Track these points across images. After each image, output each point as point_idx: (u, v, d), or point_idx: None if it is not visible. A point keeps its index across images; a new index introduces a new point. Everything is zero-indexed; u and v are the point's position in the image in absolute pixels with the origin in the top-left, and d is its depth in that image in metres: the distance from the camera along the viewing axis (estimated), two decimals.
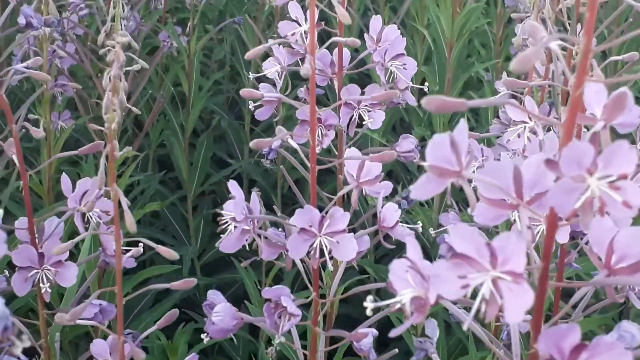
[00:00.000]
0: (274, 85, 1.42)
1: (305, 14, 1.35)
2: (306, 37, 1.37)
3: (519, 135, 1.26)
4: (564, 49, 1.21)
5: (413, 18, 2.27)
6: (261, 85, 1.41)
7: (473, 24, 2.00)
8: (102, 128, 1.01)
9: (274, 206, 1.32)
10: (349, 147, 1.43)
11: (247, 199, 1.12)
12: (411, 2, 2.22)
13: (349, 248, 1.08)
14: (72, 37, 2.05)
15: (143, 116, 2.31)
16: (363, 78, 2.28)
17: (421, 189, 0.73)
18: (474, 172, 0.76)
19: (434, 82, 2.08)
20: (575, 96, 0.72)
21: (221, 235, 1.15)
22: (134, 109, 1.76)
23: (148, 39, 2.42)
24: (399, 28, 2.20)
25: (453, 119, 2.04)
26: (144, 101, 2.30)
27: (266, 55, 1.35)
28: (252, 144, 1.08)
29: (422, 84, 1.51)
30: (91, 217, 1.27)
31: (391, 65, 1.37)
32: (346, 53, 1.45)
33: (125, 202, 0.99)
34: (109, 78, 0.98)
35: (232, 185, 1.10)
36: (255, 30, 2.25)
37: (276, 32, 2.22)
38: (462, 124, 0.76)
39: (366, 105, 1.35)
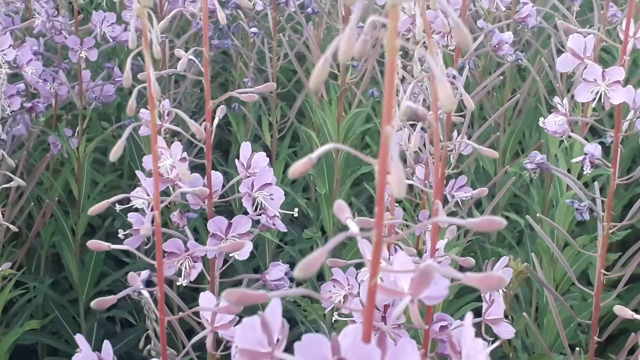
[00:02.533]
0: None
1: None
2: (173, 170, 1.38)
3: None
4: None
5: (304, 122, 2.30)
6: (130, 214, 1.40)
7: (358, 128, 2.04)
8: None
9: None
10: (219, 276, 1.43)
11: None
12: (301, 104, 2.25)
13: None
14: None
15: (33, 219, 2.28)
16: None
17: None
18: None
19: (322, 184, 2.10)
20: (371, 285, 0.74)
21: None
22: (11, 226, 1.73)
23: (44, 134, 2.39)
24: (288, 130, 2.23)
25: None
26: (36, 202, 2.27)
27: None
28: (92, 304, 1.07)
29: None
30: None
31: (258, 196, 1.38)
32: (218, 177, 1.46)
33: None
34: None
35: (80, 339, 1.08)
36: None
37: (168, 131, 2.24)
38: (276, 304, 0.77)
39: (233, 236, 1.36)
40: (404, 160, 1.86)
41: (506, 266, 2.04)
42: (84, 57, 2.11)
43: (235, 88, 2.62)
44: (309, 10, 2.17)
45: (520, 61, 1.73)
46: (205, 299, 1.15)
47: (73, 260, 2.25)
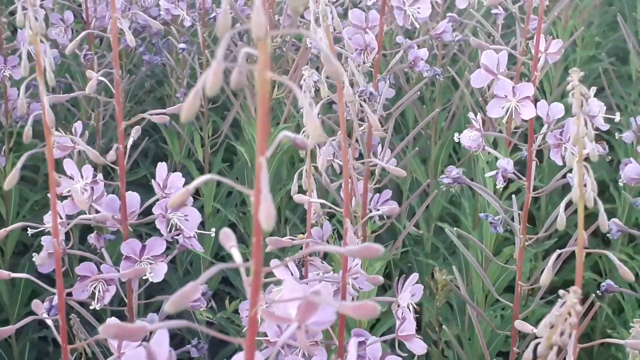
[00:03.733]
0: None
1: (80, 170, 1.35)
2: (85, 191, 1.37)
3: None
4: None
5: (241, 135, 2.29)
6: (43, 238, 1.39)
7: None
8: None
9: None
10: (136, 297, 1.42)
11: None
12: (232, 119, 2.25)
13: None
14: None
15: None
16: None
17: None
18: None
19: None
20: (251, 315, 0.74)
21: None
22: None
23: None
24: (222, 145, 2.22)
25: None
26: None
27: None
28: None
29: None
30: None
31: (173, 217, 1.37)
32: (134, 198, 1.45)
33: None
34: None
35: None
36: None
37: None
38: (162, 335, 0.77)
39: (148, 259, 1.35)
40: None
41: (433, 278, 2.07)
42: (8, 75, 2.08)
43: (171, 103, 2.61)
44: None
45: (437, 76, 1.75)
46: (112, 323, 1.14)
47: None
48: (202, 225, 2.47)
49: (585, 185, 0.97)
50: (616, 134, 2.28)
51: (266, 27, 0.69)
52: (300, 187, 1.37)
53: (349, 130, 1.74)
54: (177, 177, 1.42)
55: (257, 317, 0.76)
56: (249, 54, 0.73)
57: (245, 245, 2.28)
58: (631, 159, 2.01)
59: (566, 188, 1.52)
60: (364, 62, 1.62)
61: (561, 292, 0.77)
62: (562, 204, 1.00)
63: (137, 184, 2.57)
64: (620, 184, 1.71)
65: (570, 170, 1.50)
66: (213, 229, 1.46)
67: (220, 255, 2.45)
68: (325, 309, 0.80)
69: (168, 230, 1.38)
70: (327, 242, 1.61)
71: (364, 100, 1.71)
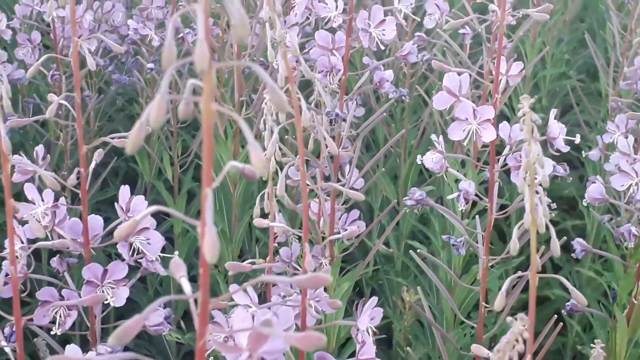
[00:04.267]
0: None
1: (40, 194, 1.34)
2: (46, 216, 1.36)
3: None
4: None
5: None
6: (4, 262, 1.38)
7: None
8: None
9: None
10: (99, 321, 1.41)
11: None
12: (200, 141, 2.25)
13: None
14: None
15: None
16: None
17: None
18: None
19: (220, 220, 2.10)
20: (199, 347, 0.74)
21: None
22: None
23: None
24: (191, 164, 2.21)
25: None
26: None
27: None
28: None
29: None
30: None
31: (135, 241, 1.37)
32: (97, 221, 1.45)
33: None
34: None
35: None
36: None
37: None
38: None
39: (109, 283, 1.35)
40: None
41: (401, 299, 2.07)
42: None
43: None
44: None
45: (403, 97, 1.76)
46: (70, 350, 1.13)
47: None
48: (171, 244, 2.47)
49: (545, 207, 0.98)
50: (583, 152, 2.30)
51: (210, 60, 0.69)
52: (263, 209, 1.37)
53: (319, 150, 1.75)
54: (140, 201, 1.42)
55: (204, 348, 0.76)
56: (197, 84, 0.73)
57: (214, 265, 2.28)
58: (598, 177, 2.03)
59: None
60: (330, 84, 1.62)
61: (509, 319, 0.78)
62: (515, 229, 1.00)
63: (108, 202, 2.56)
64: (584, 204, 1.73)
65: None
66: (177, 252, 1.46)
67: (191, 274, 2.45)
68: (275, 339, 0.80)
69: (130, 254, 1.38)
70: (297, 262, 1.61)
71: (331, 122, 1.72)
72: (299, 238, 1.85)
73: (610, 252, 2.01)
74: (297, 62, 1.75)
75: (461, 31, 2.15)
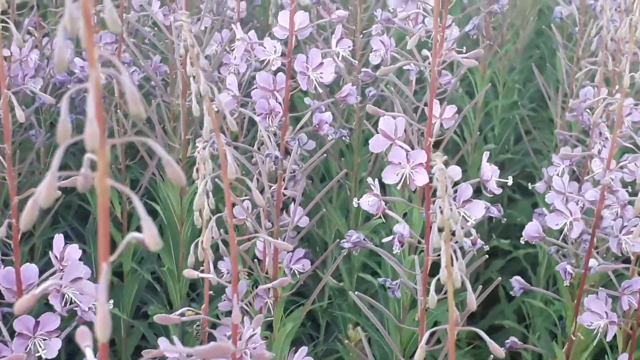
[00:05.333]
0: None
1: None
2: None
3: None
4: None
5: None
6: None
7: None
8: None
9: None
10: None
11: None
12: (149, 179, 2.24)
13: None
14: None
15: None
16: None
17: None
18: None
19: (168, 259, 2.09)
20: None
21: None
22: None
23: None
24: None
25: None
26: None
27: None
28: None
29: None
30: None
31: (67, 291, 1.36)
32: (32, 270, 1.44)
33: None
34: None
35: None
36: None
37: None
38: None
39: (42, 334, 1.34)
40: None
41: (346, 336, 2.07)
42: None
43: None
44: (152, 83, 2.18)
45: (344, 138, 1.77)
46: None
47: None
48: (121, 279, 2.45)
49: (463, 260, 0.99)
50: (529, 184, 2.33)
51: (102, 137, 0.70)
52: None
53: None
54: (74, 250, 1.41)
55: None
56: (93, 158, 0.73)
57: (163, 304, 2.27)
58: (544, 208, 2.04)
59: None
60: (269, 126, 1.63)
61: None
62: (433, 283, 1.01)
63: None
64: (522, 242, 1.74)
65: (466, 234, 1.53)
66: (111, 301, 1.45)
67: (142, 311, 2.43)
68: None
69: (63, 304, 1.37)
70: (245, 301, 1.61)
71: (274, 162, 1.72)
72: (249, 274, 1.85)
73: (560, 282, 2.02)
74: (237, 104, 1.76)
75: (406, 67, 2.17)
